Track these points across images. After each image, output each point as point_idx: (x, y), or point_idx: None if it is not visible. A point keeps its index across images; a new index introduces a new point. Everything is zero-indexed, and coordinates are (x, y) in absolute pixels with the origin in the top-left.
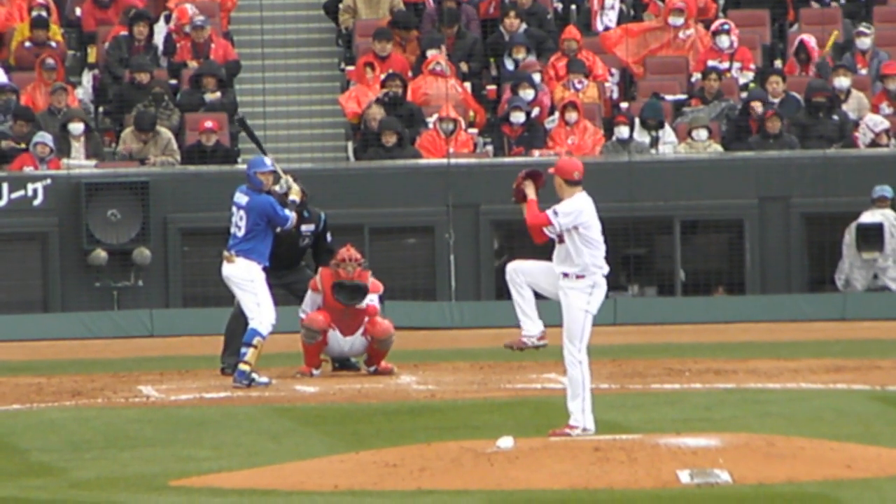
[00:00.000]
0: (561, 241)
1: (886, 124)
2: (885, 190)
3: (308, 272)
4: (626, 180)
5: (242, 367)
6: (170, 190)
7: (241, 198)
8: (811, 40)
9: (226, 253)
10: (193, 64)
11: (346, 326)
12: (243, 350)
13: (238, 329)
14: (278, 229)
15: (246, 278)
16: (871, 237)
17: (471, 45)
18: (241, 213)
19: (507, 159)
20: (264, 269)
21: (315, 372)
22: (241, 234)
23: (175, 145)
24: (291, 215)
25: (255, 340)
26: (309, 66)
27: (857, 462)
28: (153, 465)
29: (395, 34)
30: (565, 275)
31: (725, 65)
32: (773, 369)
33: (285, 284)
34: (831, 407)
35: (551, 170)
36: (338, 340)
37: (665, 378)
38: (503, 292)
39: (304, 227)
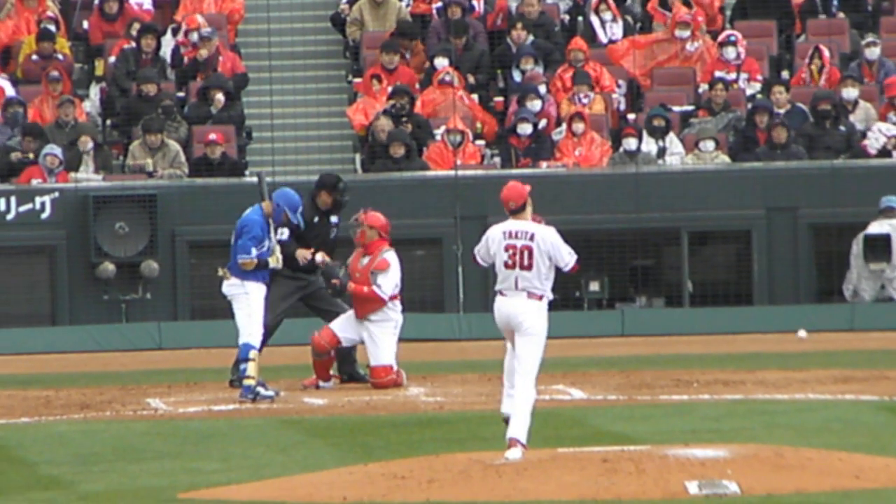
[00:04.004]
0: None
1: (895, 131)
2: (891, 200)
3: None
4: (634, 192)
5: (246, 381)
6: (178, 203)
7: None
8: (826, 50)
9: (220, 270)
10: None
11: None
12: (242, 366)
13: None
14: (265, 245)
15: (241, 291)
16: (879, 248)
17: (478, 56)
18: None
19: (514, 171)
20: (281, 275)
21: (322, 384)
22: (231, 248)
23: (183, 158)
24: (251, 254)
25: (252, 354)
26: (316, 78)
27: (866, 472)
28: (162, 478)
29: (400, 44)
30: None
31: (732, 76)
32: (781, 380)
33: (303, 298)
34: (839, 418)
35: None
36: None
37: (673, 389)
38: None
39: (333, 218)
